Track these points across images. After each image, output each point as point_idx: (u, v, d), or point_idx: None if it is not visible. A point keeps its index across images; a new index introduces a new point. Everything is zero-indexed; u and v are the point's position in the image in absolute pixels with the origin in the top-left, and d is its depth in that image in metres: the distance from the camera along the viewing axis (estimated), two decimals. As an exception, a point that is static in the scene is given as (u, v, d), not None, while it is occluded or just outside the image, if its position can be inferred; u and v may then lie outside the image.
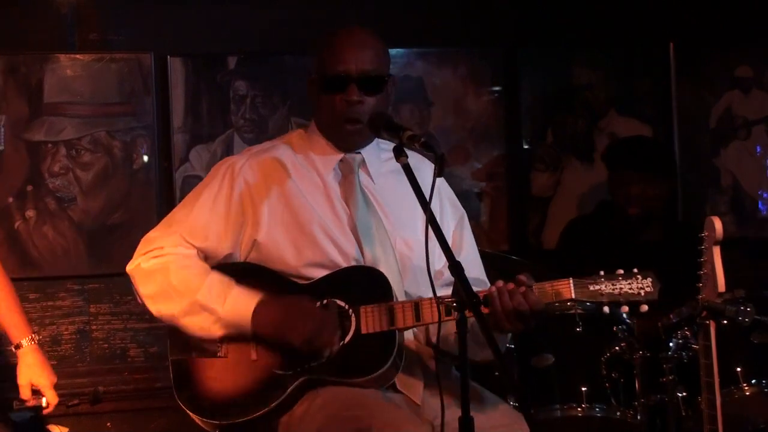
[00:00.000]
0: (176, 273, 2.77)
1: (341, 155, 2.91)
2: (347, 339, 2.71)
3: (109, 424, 4.17)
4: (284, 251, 2.81)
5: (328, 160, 2.91)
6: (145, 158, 4.28)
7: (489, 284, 2.77)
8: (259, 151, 2.96)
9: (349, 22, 4.37)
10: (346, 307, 2.73)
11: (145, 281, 2.81)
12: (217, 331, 2.74)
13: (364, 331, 2.70)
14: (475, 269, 2.94)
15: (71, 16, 4.26)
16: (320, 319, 2.69)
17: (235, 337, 2.76)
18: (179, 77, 4.30)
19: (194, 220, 2.84)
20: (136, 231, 4.19)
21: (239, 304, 2.73)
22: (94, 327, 4.24)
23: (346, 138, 2.89)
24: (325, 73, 2.84)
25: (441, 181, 2.91)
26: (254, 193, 2.85)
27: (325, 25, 4.39)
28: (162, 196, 4.28)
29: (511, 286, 2.64)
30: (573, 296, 2.68)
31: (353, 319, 2.72)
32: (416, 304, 2.70)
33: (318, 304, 2.74)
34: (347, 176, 2.89)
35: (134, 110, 4.27)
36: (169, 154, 4.30)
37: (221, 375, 2.76)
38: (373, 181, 2.92)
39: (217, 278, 2.78)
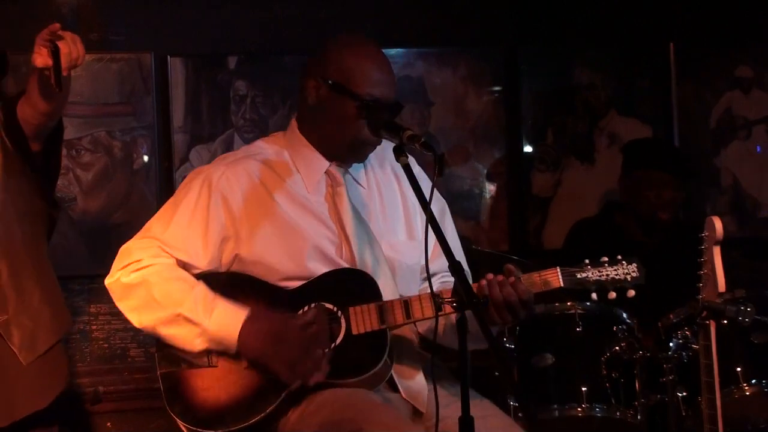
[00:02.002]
0: (158, 286, 2.68)
1: (327, 165, 2.82)
2: (338, 341, 2.68)
3: (109, 424, 4.17)
4: (268, 266, 2.73)
5: (313, 171, 2.81)
6: (145, 158, 4.27)
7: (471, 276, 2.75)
8: (235, 161, 2.82)
9: (349, 22, 4.42)
10: (335, 309, 2.70)
11: (125, 295, 2.73)
12: (199, 345, 2.67)
13: (355, 331, 2.67)
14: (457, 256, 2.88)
15: (71, 16, 4.25)
16: (305, 345, 2.63)
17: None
18: (179, 77, 4.30)
19: (171, 235, 2.74)
20: (136, 231, 4.12)
21: (226, 318, 2.65)
22: (94, 327, 4.23)
23: (353, 158, 2.83)
24: (355, 92, 2.71)
25: (419, 171, 2.82)
26: (234, 208, 2.74)
27: (326, 25, 4.42)
28: (162, 196, 4.26)
29: (500, 277, 2.64)
30: (561, 284, 2.69)
31: (342, 320, 2.69)
32: (405, 302, 2.68)
33: (302, 311, 2.69)
34: (335, 188, 2.81)
35: (134, 110, 4.26)
36: (169, 154, 4.30)
37: (214, 384, 2.69)
38: (357, 186, 2.85)
39: (201, 292, 2.69)
